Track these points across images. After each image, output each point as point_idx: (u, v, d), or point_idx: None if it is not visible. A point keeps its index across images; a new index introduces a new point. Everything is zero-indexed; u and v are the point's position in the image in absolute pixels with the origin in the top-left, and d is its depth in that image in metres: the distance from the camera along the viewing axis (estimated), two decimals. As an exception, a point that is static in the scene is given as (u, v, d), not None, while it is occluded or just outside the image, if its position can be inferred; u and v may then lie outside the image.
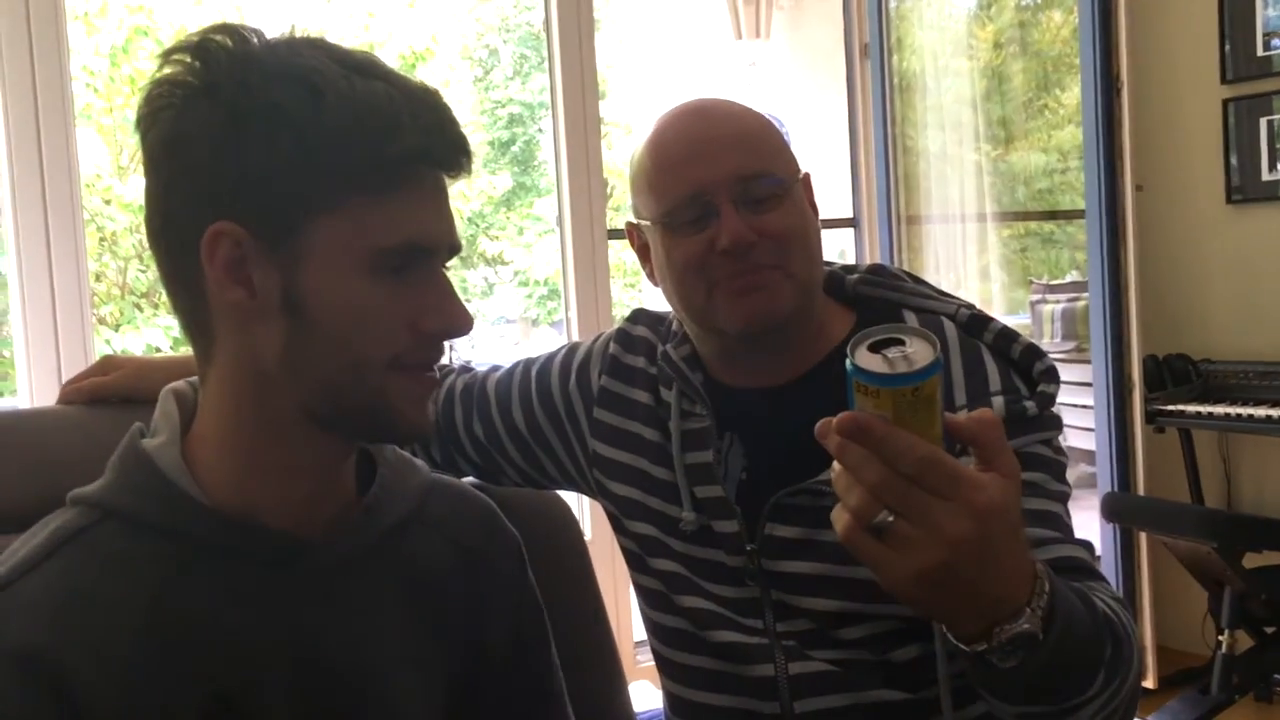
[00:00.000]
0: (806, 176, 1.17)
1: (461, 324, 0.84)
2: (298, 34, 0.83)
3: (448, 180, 0.85)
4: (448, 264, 0.87)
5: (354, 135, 0.78)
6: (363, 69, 0.80)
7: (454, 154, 0.83)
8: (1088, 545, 1.05)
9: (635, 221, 1.18)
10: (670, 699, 1.23)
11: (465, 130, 0.84)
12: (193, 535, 0.82)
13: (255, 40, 0.81)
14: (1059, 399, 1.12)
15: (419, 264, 0.82)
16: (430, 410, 0.87)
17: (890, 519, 0.73)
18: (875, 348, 0.74)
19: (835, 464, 0.75)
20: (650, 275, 1.20)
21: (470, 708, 0.95)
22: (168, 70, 0.80)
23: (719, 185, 1.08)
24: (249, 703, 0.80)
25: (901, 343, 0.73)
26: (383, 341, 0.81)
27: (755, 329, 1.10)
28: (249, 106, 0.78)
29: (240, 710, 0.80)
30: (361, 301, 0.80)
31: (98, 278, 6.18)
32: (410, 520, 0.94)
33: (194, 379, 0.89)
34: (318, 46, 0.82)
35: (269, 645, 0.82)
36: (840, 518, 0.75)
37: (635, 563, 1.22)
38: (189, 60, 0.80)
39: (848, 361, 0.74)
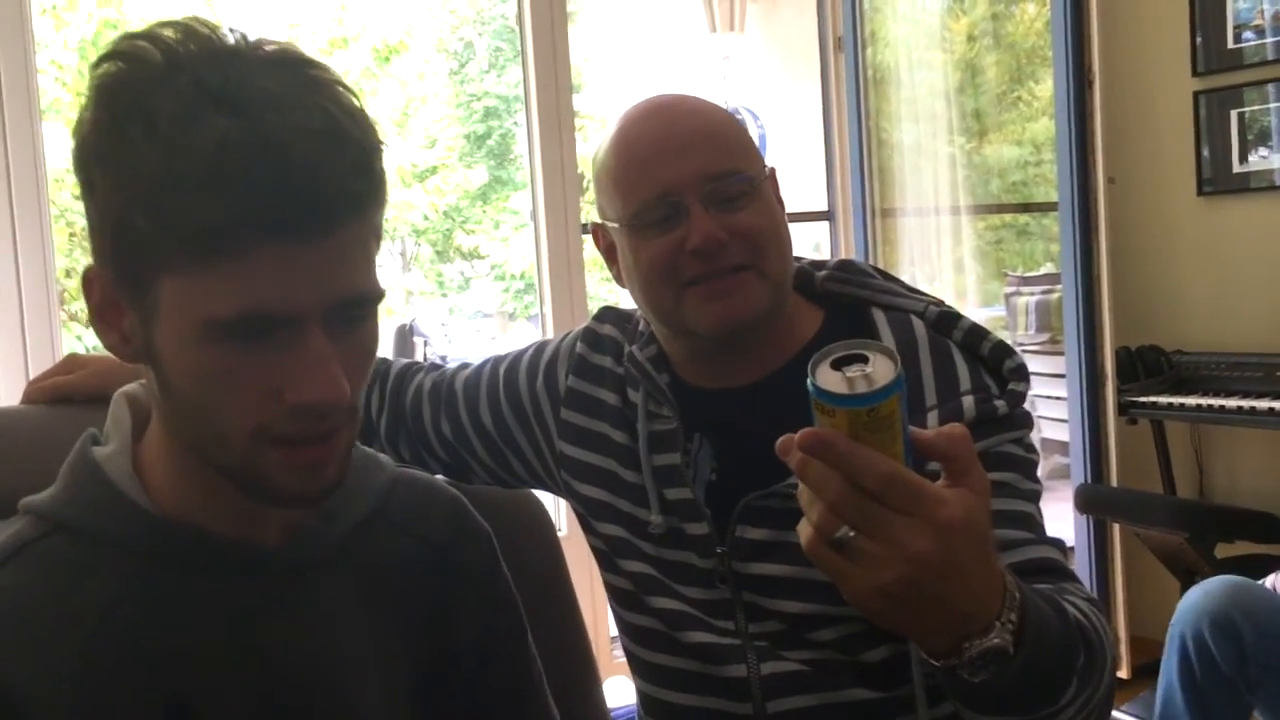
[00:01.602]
0: (772, 171, 1.15)
1: (325, 397, 0.73)
2: (223, 36, 0.73)
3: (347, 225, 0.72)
4: (361, 313, 0.76)
5: (173, 193, 0.68)
6: (227, 101, 0.69)
7: (297, 217, 0.69)
8: (1060, 544, 1.05)
9: (600, 222, 1.16)
10: (643, 699, 1.22)
11: (356, 172, 0.71)
12: (144, 547, 0.80)
13: (144, 53, 0.71)
14: (1033, 391, 1.12)
15: (279, 331, 0.72)
16: (325, 475, 0.77)
17: (851, 534, 0.73)
18: (838, 364, 0.73)
19: None
20: (617, 276, 1.18)
21: (442, 707, 0.93)
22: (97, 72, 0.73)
23: (687, 184, 1.07)
24: (207, 716, 0.79)
25: (864, 359, 0.72)
26: (240, 412, 0.73)
27: (728, 331, 1.09)
28: (98, 148, 0.72)
29: None
30: (209, 370, 0.73)
31: (68, 274, 6.12)
32: (373, 519, 0.91)
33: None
34: (203, 63, 0.71)
35: (226, 657, 0.80)
36: (804, 531, 0.75)
37: (605, 563, 1.21)
38: (93, 73, 0.73)
39: (808, 380, 0.73)
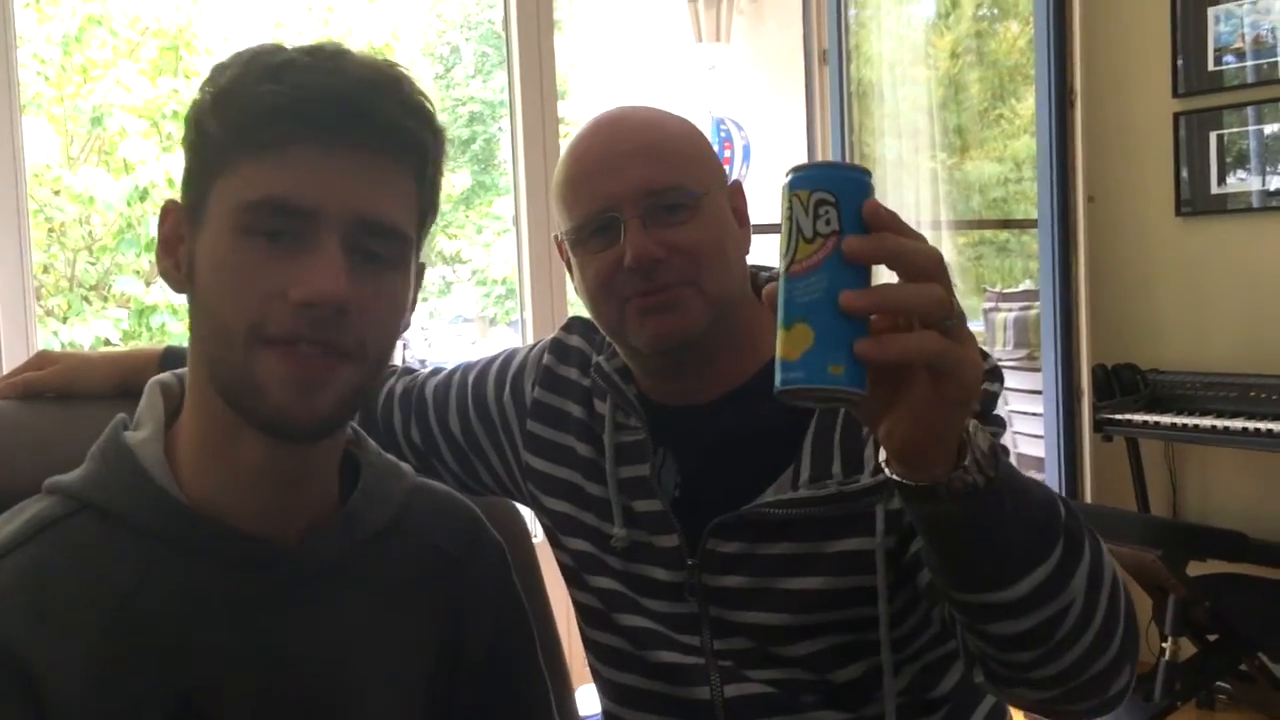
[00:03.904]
0: (736, 184, 1.14)
1: (320, 294, 0.76)
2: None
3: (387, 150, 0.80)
4: (370, 244, 0.79)
5: (242, 91, 0.78)
6: (313, 52, 0.80)
7: (337, 119, 0.77)
8: None
9: (559, 235, 1.16)
10: (608, 718, 1.21)
11: (405, 110, 0.80)
12: (167, 534, 0.81)
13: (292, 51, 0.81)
14: (1009, 406, 1.11)
15: (298, 228, 0.77)
16: (318, 401, 0.78)
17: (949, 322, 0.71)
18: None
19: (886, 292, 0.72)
20: (577, 288, 1.17)
21: (448, 717, 0.93)
22: None
23: (625, 199, 1.05)
24: (214, 708, 0.79)
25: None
26: (241, 307, 0.77)
27: (665, 347, 1.08)
28: (202, 97, 0.81)
29: (204, 716, 0.79)
30: (226, 261, 0.78)
31: (46, 269, 6.07)
32: (392, 527, 0.92)
33: (180, 371, 0.88)
34: (329, 54, 0.81)
35: (237, 651, 0.81)
36: (911, 337, 0.70)
37: (572, 579, 1.20)
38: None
39: (783, 183, 0.73)
